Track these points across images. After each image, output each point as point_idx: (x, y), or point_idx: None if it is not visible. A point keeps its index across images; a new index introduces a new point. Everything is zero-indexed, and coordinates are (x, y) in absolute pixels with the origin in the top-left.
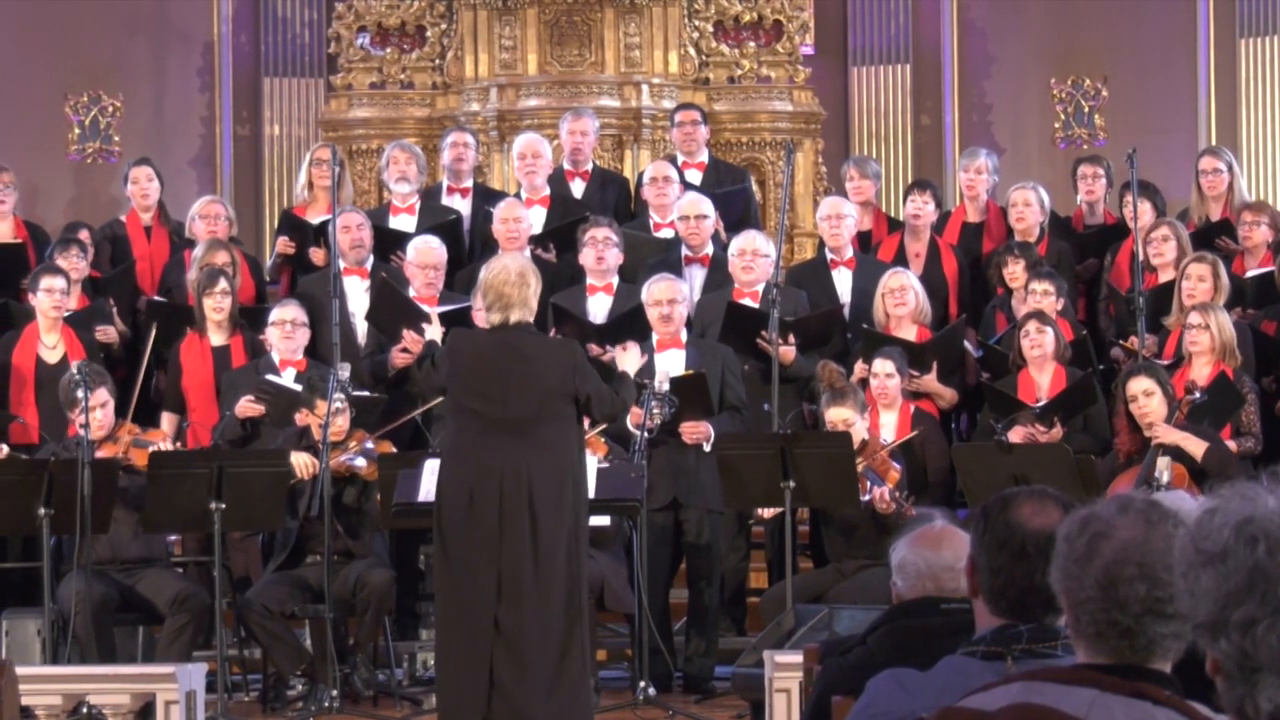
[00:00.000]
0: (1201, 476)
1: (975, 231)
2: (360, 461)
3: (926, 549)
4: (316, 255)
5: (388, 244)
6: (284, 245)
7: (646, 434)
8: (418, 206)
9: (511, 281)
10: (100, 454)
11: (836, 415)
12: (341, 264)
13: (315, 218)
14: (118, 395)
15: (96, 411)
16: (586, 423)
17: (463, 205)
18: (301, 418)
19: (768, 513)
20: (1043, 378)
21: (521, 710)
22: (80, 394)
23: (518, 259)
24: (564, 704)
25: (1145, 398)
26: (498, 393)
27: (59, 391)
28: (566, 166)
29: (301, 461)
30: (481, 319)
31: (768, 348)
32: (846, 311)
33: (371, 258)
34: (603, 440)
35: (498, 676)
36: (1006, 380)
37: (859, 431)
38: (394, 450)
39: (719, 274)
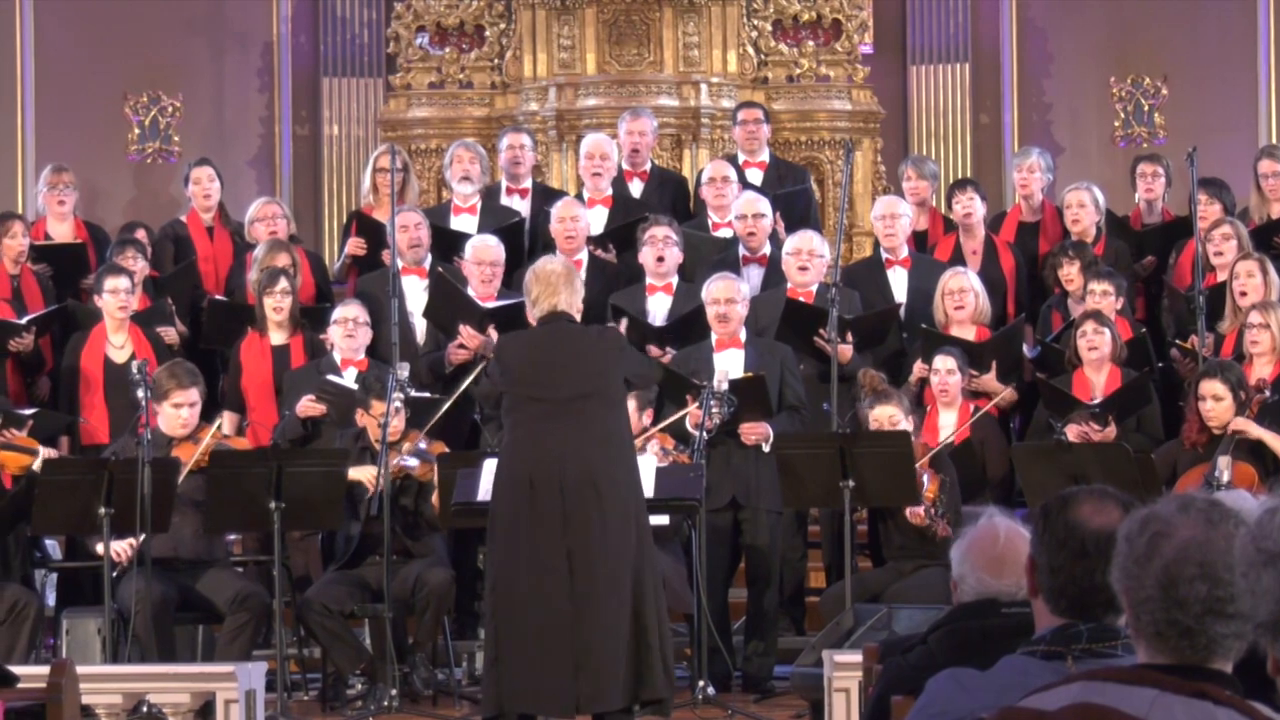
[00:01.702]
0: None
1: (1031, 231)
2: (412, 462)
3: (986, 572)
4: (388, 257)
5: (448, 244)
6: (356, 246)
7: (705, 434)
8: (479, 207)
9: (559, 273)
10: (176, 453)
11: (882, 413)
12: (400, 263)
13: (383, 220)
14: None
15: (183, 410)
16: (647, 416)
17: (522, 206)
18: (359, 418)
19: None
20: (1098, 378)
21: (603, 691)
22: (142, 394)
23: (552, 259)
24: (649, 678)
25: (1214, 401)
26: (551, 377)
27: (155, 383)
28: (625, 166)
29: (366, 476)
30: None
31: (825, 346)
32: (902, 311)
33: (429, 257)
34: (669, 434)
35: (580, 658)
36: (1062, 379)
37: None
38: (446, 450)
39: (777, 274)
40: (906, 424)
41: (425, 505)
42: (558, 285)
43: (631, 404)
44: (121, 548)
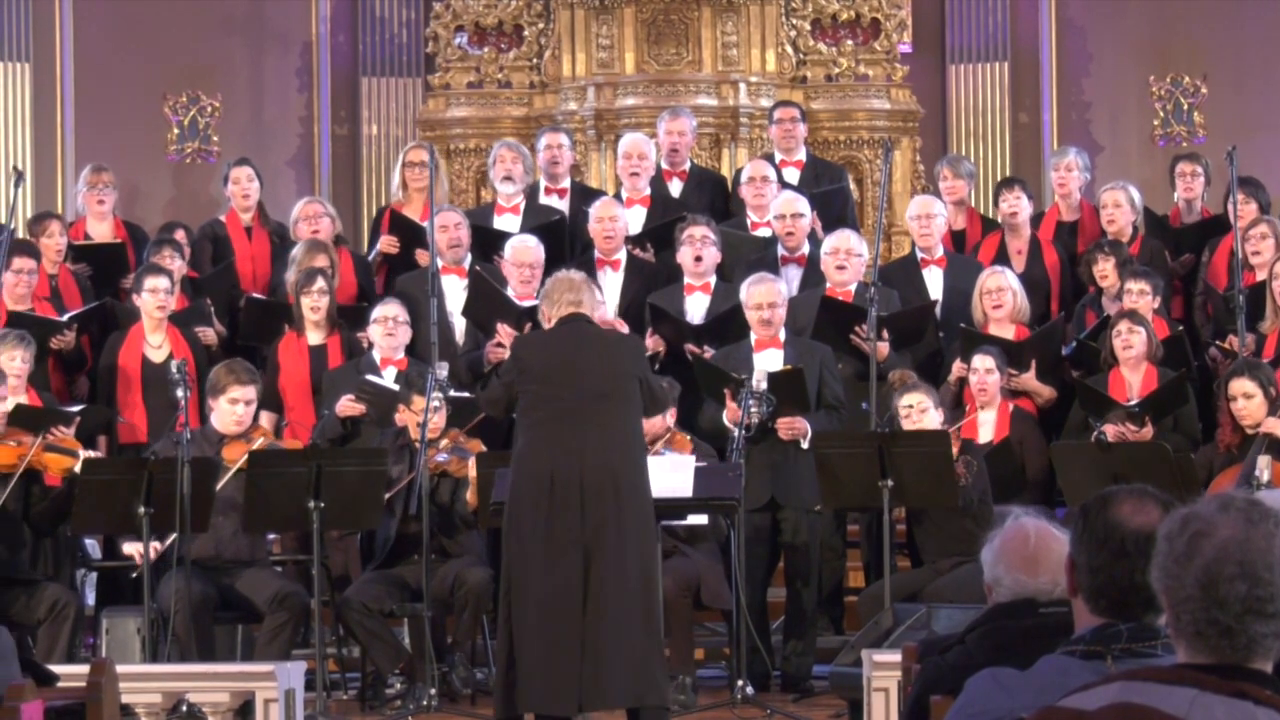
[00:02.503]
0: None
1: (1070, 230)
2: (445, 458)
3: (1022, 572)
4: (423, 257)
5: (489, 244)
6: (389, 244)
7: (744, 433)
8: (522, 206)
9: (578, 280)
10: (226, 450)
11: (911, 399)
12: (440, 263)
13: (412, 216)
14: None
15: (239, 406)
16: (671, 416)
17: (560, 206)
18: (400, 417)
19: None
20: (1134, 377)
21: (608, 690)
22: (181, 393)
23: (580, 274)
24: (647, 679)
25: (1245, 400)
26: (571, 377)
27: (213, 379)
28: (664, 166)
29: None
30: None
31: (862, 344)
32: (938, 310)
33: (469, 257)
34: (688, 438)
35: (588, 655)
36: (1098, 378)
37: (932, 419)
38: (483, 448)
39: (815, 273)
40: (936, 413)
41: (460, 503)
42: (579, 288)
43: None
44: (138, 550)
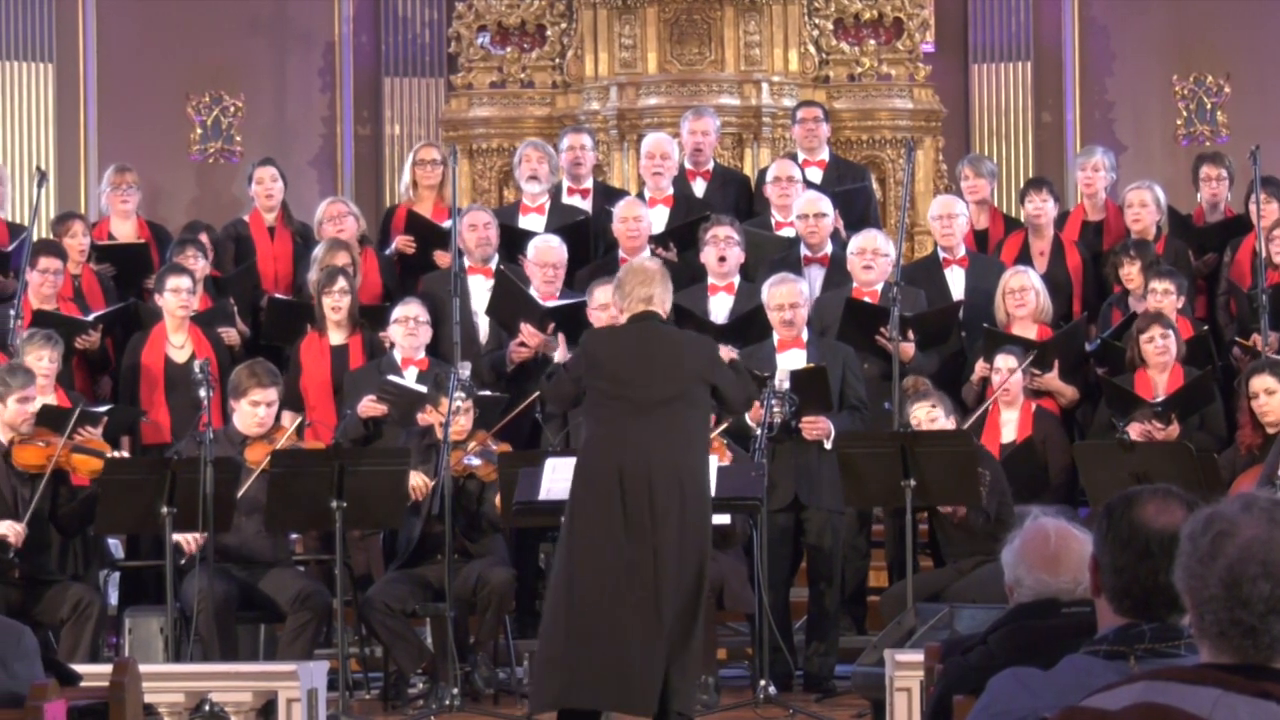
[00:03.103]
0: None
1: (1095, 230)
2: (476, 461)
3: (1044, 571)
4: (443, 259)
5: (514, 243)
6: (406, 243)
7: (767, 432)
8: (547, 206)
9: (654, 271)
10: (249, 451)
11: (919, 411)
12: (467, 262)
13: (424, 214)
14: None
15: (260, 409)
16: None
17: (583, 205)
18: (425, 416)
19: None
20: (1161, 377)
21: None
22: (204, 393)
23: (647, 260)
24: (688, 685)
25: (1267, 396)
26: (641, 377)
27: (234, 380)
28: (687, 166)
29: (417, 483)
30: (602, 318)
31: (887, 345)
32: (960, 310)
33: (496, 256)
34: (724, 442)
35: (636, 654)
36: (1124, 378)
37: (941, 428)
38: (511, 451)
39: (838, 273)
40: (947, 421)
41: (488, 505)
42: (652, 281)
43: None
44: (187, 539)
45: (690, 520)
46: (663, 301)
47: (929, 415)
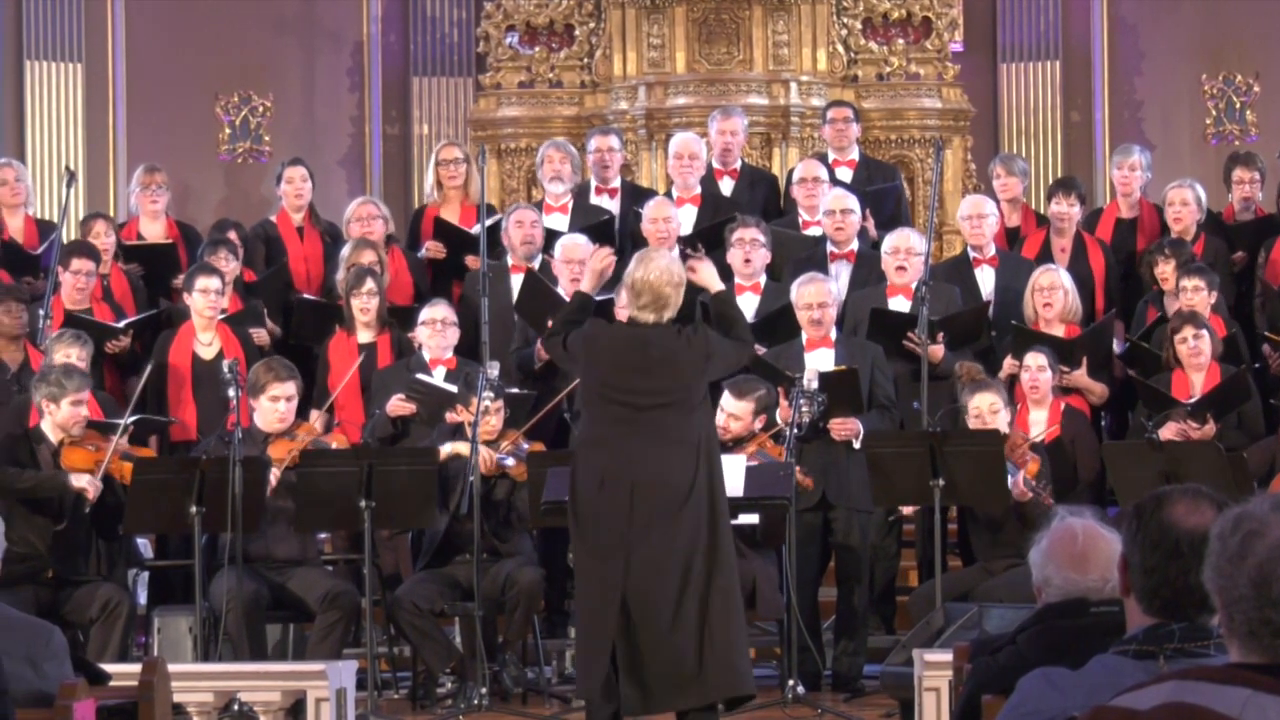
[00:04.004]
0: None
1: (1129, 227)
2: (510, 461)
3: (1072, 570)
4: (475, 263)
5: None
6: (436, 249)
7: (795, 432)
8: (571, 206)
9: (673, 284)
10: (271, 449)
11: (982, 401)
12: (510, 260)
13: (450, 218)
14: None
15: (280, 403)
16: (759, 421)
17: (611, 205)
18: (454, 415)
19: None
20: (1198, 377)
21: (654, 694)
22: (233, 392)
23: (674, 260)
24: (715, 681)
25: None
26: (634, 382)
27: (252, 378)
28: (715, 165)
29: (461, 448)
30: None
31: (916, 348)
32: (990, 309)
33: (540, 255)
34: (771, 440)
35: (626, 660)
36: (1160, 379)
37: (1002, 420)
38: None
39: (864, 270)
40: (1005, 413)
41: (520, 501)
42: (669, 300)
43: (748, 406)
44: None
45: (682, 523)
46: (677, 304)
47: (991, 406)
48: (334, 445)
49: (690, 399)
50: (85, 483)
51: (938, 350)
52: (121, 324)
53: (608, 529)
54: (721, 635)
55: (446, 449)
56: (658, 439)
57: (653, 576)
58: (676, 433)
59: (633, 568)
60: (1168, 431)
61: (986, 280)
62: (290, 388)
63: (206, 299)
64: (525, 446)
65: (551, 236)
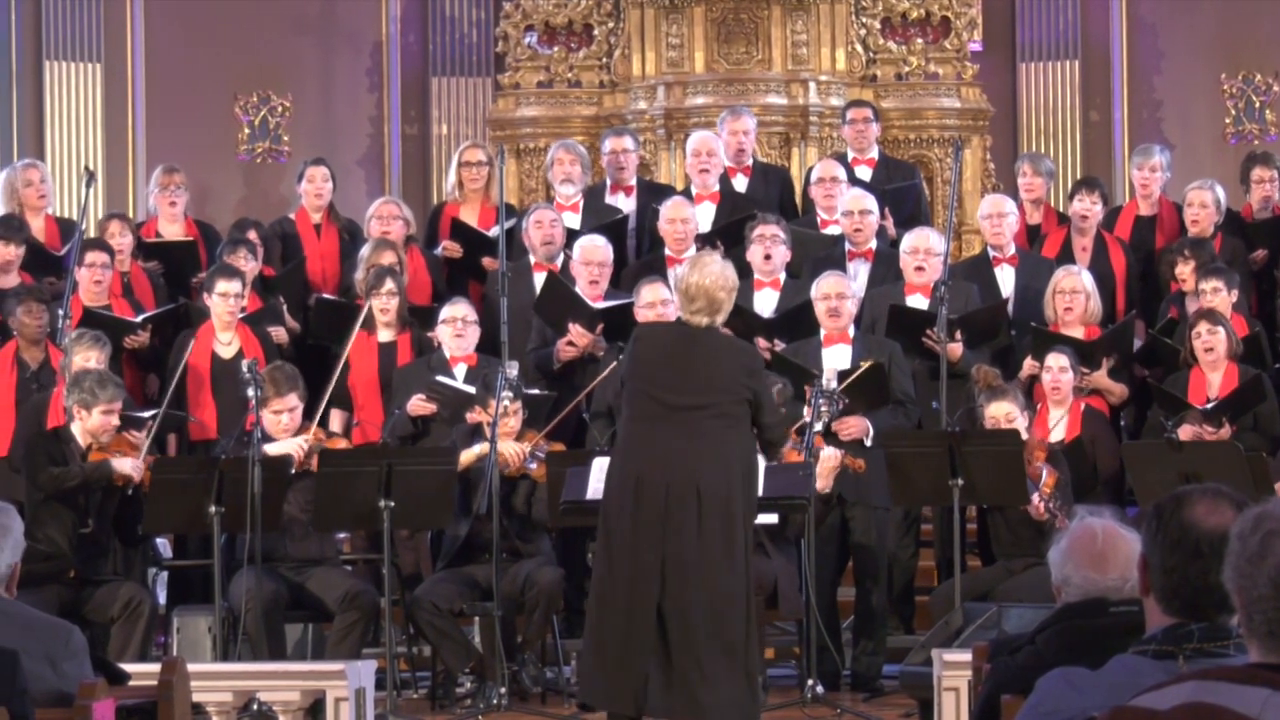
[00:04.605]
0: None
1: (1148, 225)
2: (533, 465)
3: (1091, 569)
4: (492, 265)
5: None
6: (453, 250)
7: (814, 431)
8: (582, 205)
9: (727, 289)
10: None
11: (998, 410)
12: (532, 259)
13: (469, 218)
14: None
15: (283, 416)
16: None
17: (627, 203)
18: (474, 415)
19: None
20: (1215, 376)
21: (676, 702)
22: (252, 392)
23: (728, 265)
24: (731, 697)
25: None
26: (675, 382)
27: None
28: (728, 163)
29: (511, 452)
30: (649, 317)
31: (934, 346)
32: (1010, 308)
33: (563, 255)
34: (798, 451)
35: (657, 665)
36: (1178, 377)
37: (1019, 427)
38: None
39: (883, 268)
40: (1021, 419)
41: (539, 503)
42: (722, 304)
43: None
44: (295, 446)
45: (709, 530)
46: (727, 312)
47: (1008, 416)
48: (335, 447)
49: (731, 409)
50: (130, 468)
51: (956, 348)
52: (139, 319)
53: (645, 535)
54: (740, 657)
55: (475, 451)
56: (691, 441)
57: (686, 584)
58: (711, 438)
59: (669, 576)
60: (1184, 433)
61: (1006, 279)
62: (291, 399)
63: (226, 302)
64: (545, 447)
65: (569, 236)
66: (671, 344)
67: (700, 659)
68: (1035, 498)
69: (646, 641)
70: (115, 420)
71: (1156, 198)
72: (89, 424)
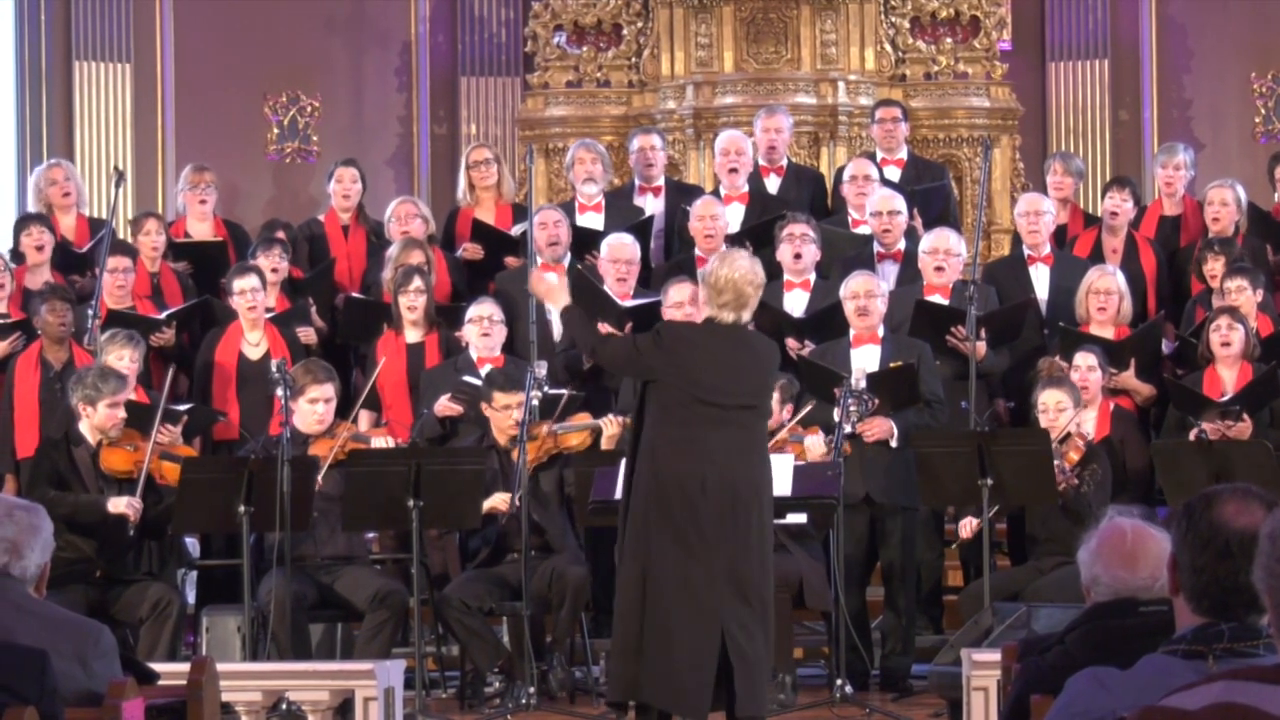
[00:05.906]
0: None
1: (1172, 225)
2: (574, 440)
3: (1121, 569)
4: (514, 264)
5: (577, 242)
6: (474, 251)
7: (843, 432)
8: (604, 204)
9: (755, 285)
10: (313, 449)
11: (1050, 398)
12: (539, 260)
13: (485, 219)
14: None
15: (319, 405)
16: (787, 411)
17: (655, 204)
18: (483, 410)
19: (966, 532)
20: (1230, 374)
21: (742, 699)
22: (281, 392)
23: (756, 261)
24: (758, 690)
25: None
26: (724, 383)
27: (291, 380)
28: (761, 163)
29: (499, 501)
30: (677, 317)
31: (958, 345)
32: (1044, 308)
33: (569, 255)
34: (801, 444)
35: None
36: (1193, 376)
37: (1066, 419)
38: (590, 418)
39: (911, 269)
40: (1071, 412)
41: (568, 485)
42: (750, 299)
43: (775, 395)
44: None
45: (763, 530)
46: (753, 309)
47: (1059, 404)
48: (374, 442)
49: (765, 405)
50: (124, 507)
51: (980, 347)
52: (163, 315)
53: (714, 534)
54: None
55: (492, 501)
56: (745, 442)
57: (747, 582)
58: (758, 438)
59: (733, 570)
60: (1209, 430)
61: (1041, 279)
62: (329, 389)
63: (245, 299)
64: (557, 430)
65: (589, 236)
66: (714, 344)
67: (757, 655)
68: (1060, 466)
69: (715, 643)
70: (121, 413)
71: (1180, 196)
72: (95, 419)
